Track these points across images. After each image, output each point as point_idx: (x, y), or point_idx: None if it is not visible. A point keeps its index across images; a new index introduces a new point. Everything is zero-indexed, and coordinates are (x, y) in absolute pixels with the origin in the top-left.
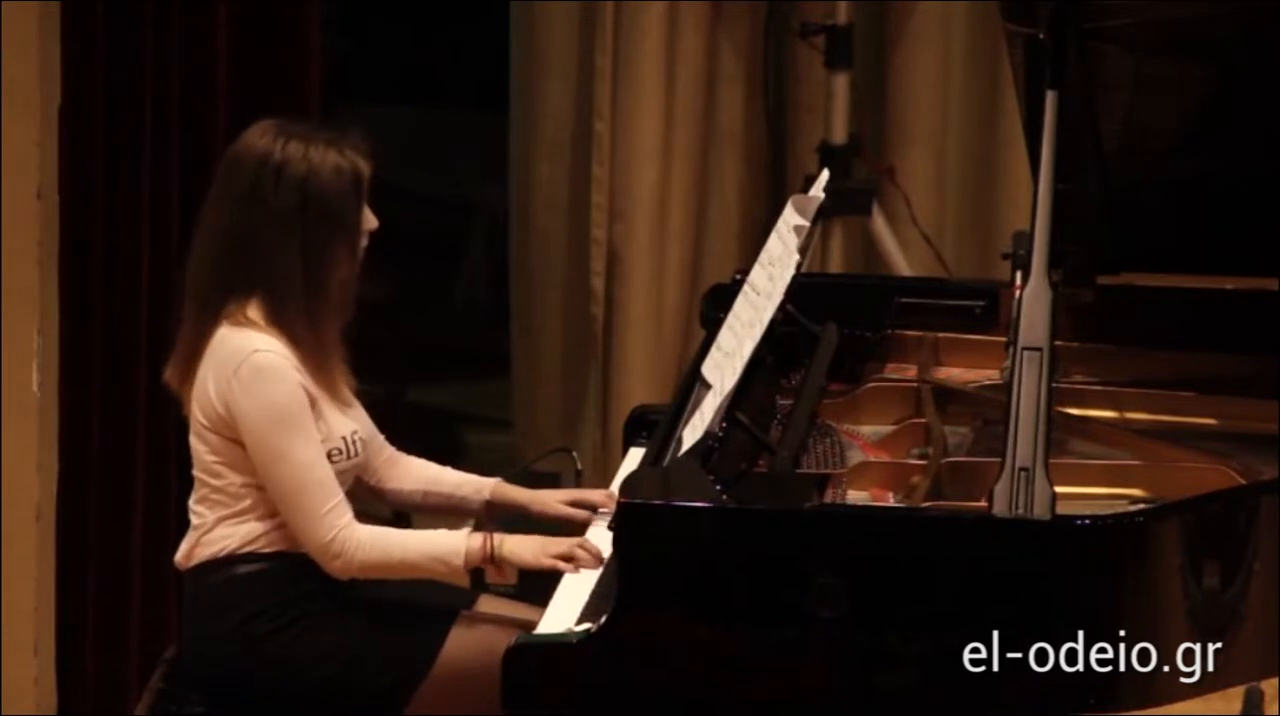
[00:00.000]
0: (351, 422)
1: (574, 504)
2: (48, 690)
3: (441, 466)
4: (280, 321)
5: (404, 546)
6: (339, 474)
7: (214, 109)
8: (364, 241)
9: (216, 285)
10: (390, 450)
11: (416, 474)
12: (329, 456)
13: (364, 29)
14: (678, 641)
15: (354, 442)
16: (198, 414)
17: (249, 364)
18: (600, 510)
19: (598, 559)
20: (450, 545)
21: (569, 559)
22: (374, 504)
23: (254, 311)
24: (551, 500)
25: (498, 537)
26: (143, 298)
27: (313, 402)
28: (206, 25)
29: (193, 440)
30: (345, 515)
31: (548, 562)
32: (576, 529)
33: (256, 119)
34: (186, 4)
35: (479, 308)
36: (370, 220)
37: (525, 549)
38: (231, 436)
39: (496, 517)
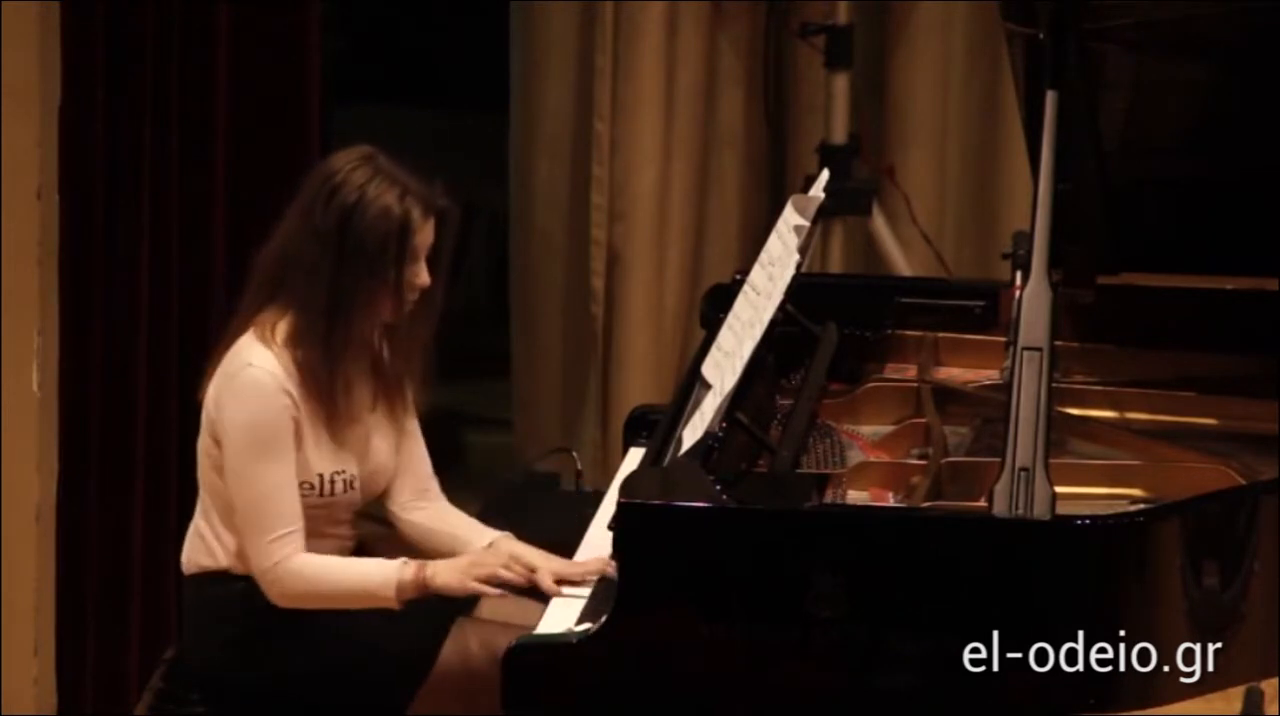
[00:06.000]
0: (336, 462)
1: (563, 580)
2: (48, 690)
3: (464, 515)
4: (299, 343)
5: (336, 582)
6: (305, 508)
7: (214, 109)
8: (410, 295)
9: (259, 292)
10: (435, 491)
11: (434, 518)
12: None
13: (364, 29)
14: (678, 641)
15: (330, 482)
16: (204, 418)
17: (240, 377)
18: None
19: (528, 571)
20: (382, 578)
21: (493, 581)
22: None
23: (282, 327)
24: (549, 567)
25: (430, 569)
26: (143, 298)
27: (298, 431)
28: (206, 25)
29: (199, 448)
30: (290, 546)
31: (472, 586)
32: (572, 541)
33: (256, 119)
34: (186, 4)
35: (479, 308)
36: (420, 275)
37: (451, 575)
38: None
39: None
